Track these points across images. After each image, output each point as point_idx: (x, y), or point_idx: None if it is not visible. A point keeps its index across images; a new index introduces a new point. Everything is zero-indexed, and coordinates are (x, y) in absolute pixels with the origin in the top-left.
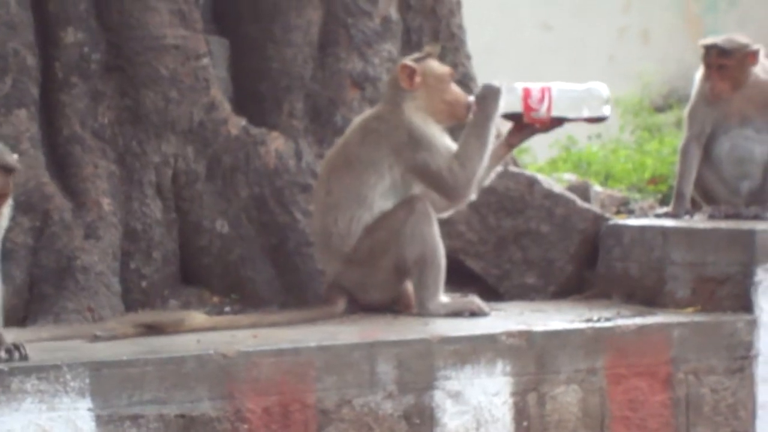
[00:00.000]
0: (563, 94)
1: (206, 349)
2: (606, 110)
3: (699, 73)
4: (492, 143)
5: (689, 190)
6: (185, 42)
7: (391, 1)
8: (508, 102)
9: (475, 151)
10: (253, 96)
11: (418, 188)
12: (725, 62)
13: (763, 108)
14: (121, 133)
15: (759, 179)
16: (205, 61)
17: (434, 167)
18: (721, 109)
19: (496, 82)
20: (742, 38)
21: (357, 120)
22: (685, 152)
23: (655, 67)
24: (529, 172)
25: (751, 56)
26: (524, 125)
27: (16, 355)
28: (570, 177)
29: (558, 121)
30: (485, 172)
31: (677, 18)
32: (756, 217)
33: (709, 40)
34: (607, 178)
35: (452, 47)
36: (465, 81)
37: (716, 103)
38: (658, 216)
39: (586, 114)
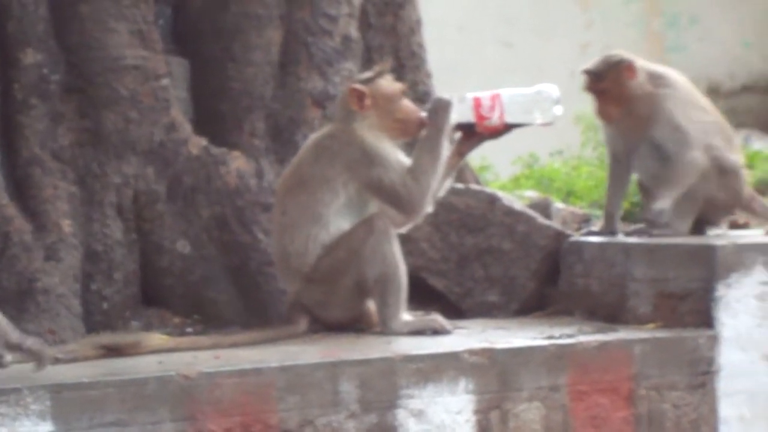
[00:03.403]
0: (513, 99)
1: (168, 370)
2: (557, 111)
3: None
4: (445, 156)
5: (613, 209)
6: (145, 62)
7: (351, 20)
8: (460, 112)
9: (428, 164)
10: (214, 116)
11: (374, 206)
12: (602, 86)
13: (649, 121)
14: (81, 155)
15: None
16: (165, 81)
17: (388, 182)
18: (620, 129)
19: (446, 95)
20: (615, 55)
21: (310, 139)
22: (608, 173)
23: None
24: (490, 189)
25: (627, 71)
26: (474, 133)
27: None
28: (532, 194)
29: (510, 127)
30: (440, 185)
31: (639, 34)
32: (639, 233)
33: (586, 66)
34: (568, 195)
35: (413, 65)
36: (426, 99)
37: (614, 124)
38: (584, 234)
39: (538, 118)
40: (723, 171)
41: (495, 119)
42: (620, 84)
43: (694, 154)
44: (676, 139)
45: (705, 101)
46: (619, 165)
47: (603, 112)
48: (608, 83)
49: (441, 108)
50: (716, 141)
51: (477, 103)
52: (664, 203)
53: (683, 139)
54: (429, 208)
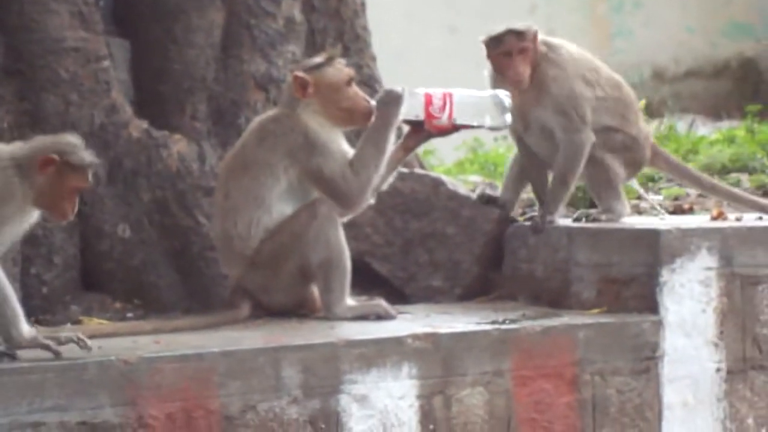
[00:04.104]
0: (465, 101)
1: (107, 355)
2: (507, 119)
3: (487, 71)
4: (390, 150)
5: (509, 179)
6: (85, 44)
7: (294, 2)
8: (410, 106)
9: (371, 158)
10: (155, 98)
11: (316, 193)
12: (525, 45)
13: (537, 99)
14: (21, 137)
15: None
16: (106, 63)
17: (328, 173)
18: (517, 105)
19: (397, 88)
20: (520, 22)
21: (255, 121)
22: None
23: None
24: (434, 173)
25: (536, 38)
26: (422, 129)
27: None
28: (476, 179)
29: (458, 128)
30: (383, 178)
31: (584, 19)
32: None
33: (497, 29)
34: None
35: (357, 49)
36: (370, 83)
37: (514, 101)
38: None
39: (488, 123)
40: (626, 147)
41: (444, 119)
42: (534, 47)
43: (581, 136)
44: (560, 122)
45: (597, 74)
46: (522, 145)
47: (521, 74)
48: (528, 43)
49: (391, 101)
50: (606, 120)
51: (428, 100)
52: (553, 213)
53: (567, 123)
54: (367, 203)
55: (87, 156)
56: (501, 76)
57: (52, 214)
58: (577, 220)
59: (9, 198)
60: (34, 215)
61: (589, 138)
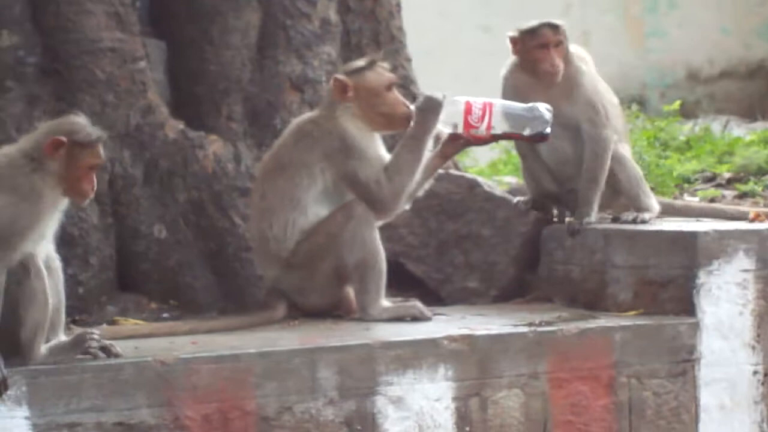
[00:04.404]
0: (505, 111)
1: (144, 356)
2: (547, 130)
3: (506, 70)
4: (426, 157)
5: (546, 179)
6: (122, 45)
7: (330, 3)
8: (449, 114)
9: (406, 165)
10: (191, 99)
11: (351, 195)
12: (560, 38)
13: (568, 95)
14: None
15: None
16: (142, 63)
17: (362, 177)
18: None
19: (438, 95)
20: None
21: (293, 123)
22: (522, 155)
23: (596, 68)
24: (470, 174)
25: (566, 35)
26: (460, 137)
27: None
28: (511, 180)
29: (497, 138)
30: (418, 185)
31: (618, 20)
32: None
33: (532, 23)
34: None
35: (392, 50)
36: (405, 84)
37: (526, 98)
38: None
39: (527, 133)
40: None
41: (482, 129)
42: (567, 43)
43: (609, 133)
44: (590, 117)
45: (604, 84)
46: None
47: (557, 66)
48: (563, 37)
49: (430, 108)
50: (616, 126)
51: (467, 109)
52: (590, 214)
53: (597, 119)
54: (403, 208)
55: (94, 131)
56: (527, 70)
57: (72, 196)
58: (623, 221)
59: (36, 196)
60: (64, 201)
61: (613, 136)
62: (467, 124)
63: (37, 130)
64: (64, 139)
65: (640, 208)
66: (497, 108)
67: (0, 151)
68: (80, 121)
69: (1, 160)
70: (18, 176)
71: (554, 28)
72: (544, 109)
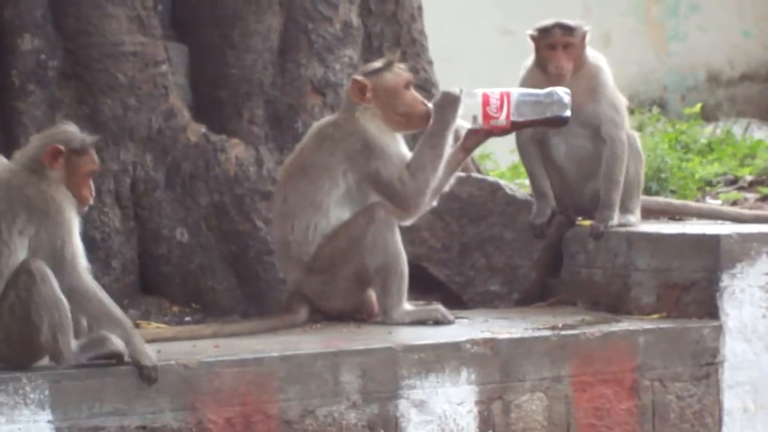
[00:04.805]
0: (523, 99)
1: (167, 359)
2: (567, 113)
3: (525, 68)
4: (448, 152)
5: (547, 186)
6: (143, 48)
7: (351, 6)
8: (468, 107)
9: (429, 160)
10: (213, 102)
11: (374, 196)
12: (571, 40)
13: (592, 94)
14: None
15: (598, 180)
16: (164, 67)
17: (386, 176)
18: None
19: (455, 90)
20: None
21: (314, 126)
22: (524, 154)
23: (616, 71)
24: (491, 178)
25: (585, 37)
26: (480, 129)
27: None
28: None
29: (517, 126)
30: (443, 180)
31: (638, 22)
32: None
33: (547, 22)
34: None
35: (413, 53)
36: (426, 87)
37: None
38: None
39: (547, 116)
40: (633, 151)
41: (502, 119)
42: (582, 46)
43: (627, 134)
44: (612, 117)
45: None
46: (535, 145)
47: (562, 68)
48: (576, 39)
49: (448, 103)
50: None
51: (485, 101)
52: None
53: (618, 120)
54: (428, 206)
55: (88, 138)
56: (543, 69)
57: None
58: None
59: (59, 205)
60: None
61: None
62: (486, 116)
63: (30, 144)
64: (62, 147)
65: (628, 209)
66: (514, 96)
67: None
68: (71, 129)
69: (4, 176)
70: (27, 189)
71: (566, 29)
72: (562, 92)
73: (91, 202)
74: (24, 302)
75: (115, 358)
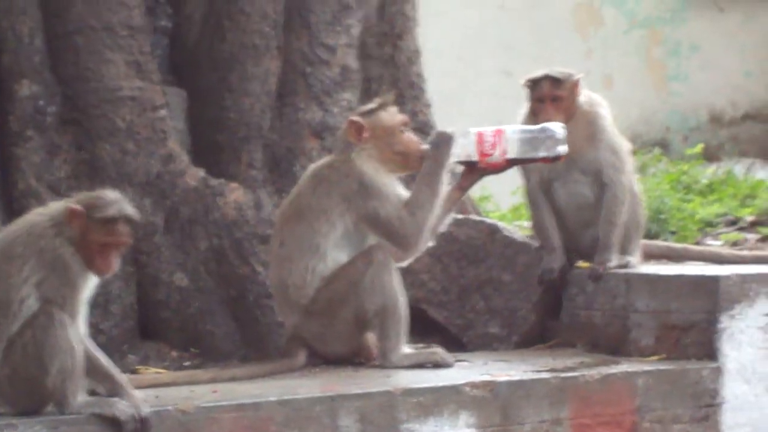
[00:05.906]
0: (517, 136)
1: (165, 404)
2: (561, 150)
3: (522, 115)
4: (444, 191)
5: (557, 239)
6: (142, 93)
7: (349, 50)
8: (463, 146)
9: (426, 199)
10: (211, 146)
11: (371, 238)
12: (559, 93)
13: (591, 140)
14: (78, 187)
15: (596, 226)
16: (162, 112)
17: (384, 216)
18: None
19: (449, 129)
20: (563, 68)
21: (310, 169)
22: (533, 203)
23: (618, 112)
24: (490, 220)
25: (577, 85)
26: (476, 168)
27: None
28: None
29: (512, 163)
30: (439, 219)
31: (639, 63)
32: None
33: (537, 72)
34: None
35: (412, 96)
36: (425, 130)
37: None
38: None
39: (541, 155)
40: (632, 194)
41: (497, 156)
42: (572, 95)
43: (627, 178)
44: (612, 162)
45: None
46: (544, 193)
47: (554, 120)
48: (564, 91)
49: (442, 142)
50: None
51: (480, 139)
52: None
53: (619, 164)
54: (425, 245)
55: (114, 210)
56: (535, 119)
57: (90, 269)
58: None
59: (64, 264)
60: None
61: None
62: (482, 153)
63: (72, 197)
64: (81, 209)
65: (627, 251)
66: (508, 133)
67: (34, 212)
68: (107, 197)
69: (31, 219)
70: (42, 239)
71: (555, 81)
72: (556, 128)
73: (108, 274)
74: (39, 343)
75: (115, 425)
